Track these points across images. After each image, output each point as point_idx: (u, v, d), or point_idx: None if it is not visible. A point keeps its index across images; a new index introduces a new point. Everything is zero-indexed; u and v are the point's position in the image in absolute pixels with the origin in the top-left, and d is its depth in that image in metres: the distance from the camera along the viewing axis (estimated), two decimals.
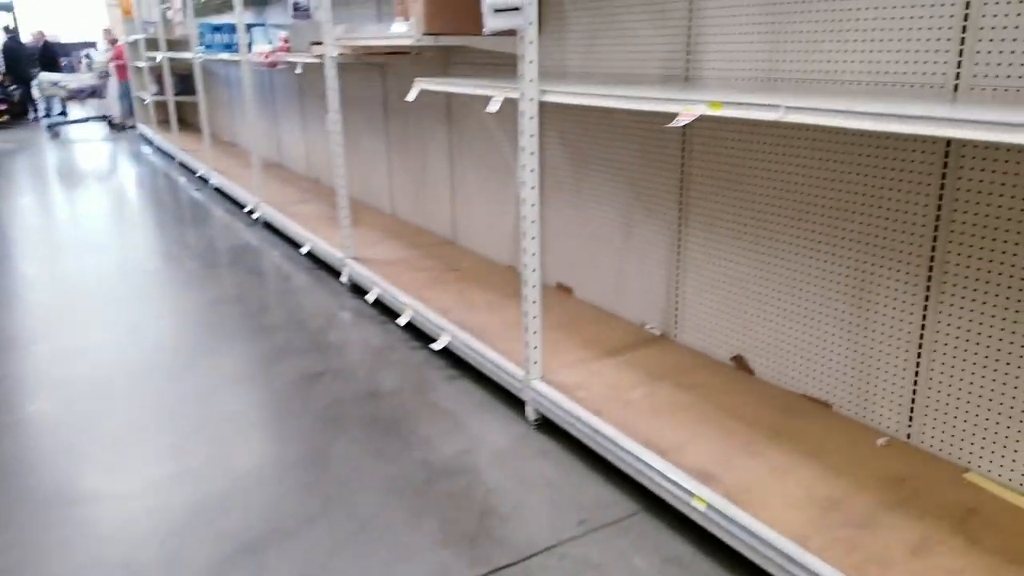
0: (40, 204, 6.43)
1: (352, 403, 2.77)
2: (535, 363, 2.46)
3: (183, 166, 8.15)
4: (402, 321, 3.34)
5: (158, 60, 8.12)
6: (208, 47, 6.40)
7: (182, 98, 9.46)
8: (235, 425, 2.63)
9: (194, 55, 6.39)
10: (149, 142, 10.28)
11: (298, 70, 4.23)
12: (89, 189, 7.01)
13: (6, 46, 13.56)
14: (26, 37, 14.98)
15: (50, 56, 14.55)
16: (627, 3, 2.70)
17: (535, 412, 2.49)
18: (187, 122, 11.17)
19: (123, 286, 4.16)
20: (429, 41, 3.01)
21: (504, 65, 3.49)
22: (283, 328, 3.51)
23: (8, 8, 17.29)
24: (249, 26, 6.07)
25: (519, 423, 2.56)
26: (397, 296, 3.42)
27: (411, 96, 2.99)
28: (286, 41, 4.63)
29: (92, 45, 17.69)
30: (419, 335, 3.36)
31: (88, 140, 10.76)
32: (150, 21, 8.08)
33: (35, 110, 14.41)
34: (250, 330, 3.48)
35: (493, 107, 2.43)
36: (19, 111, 13.81)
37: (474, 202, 3.99)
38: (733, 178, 2.42)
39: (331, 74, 3.69)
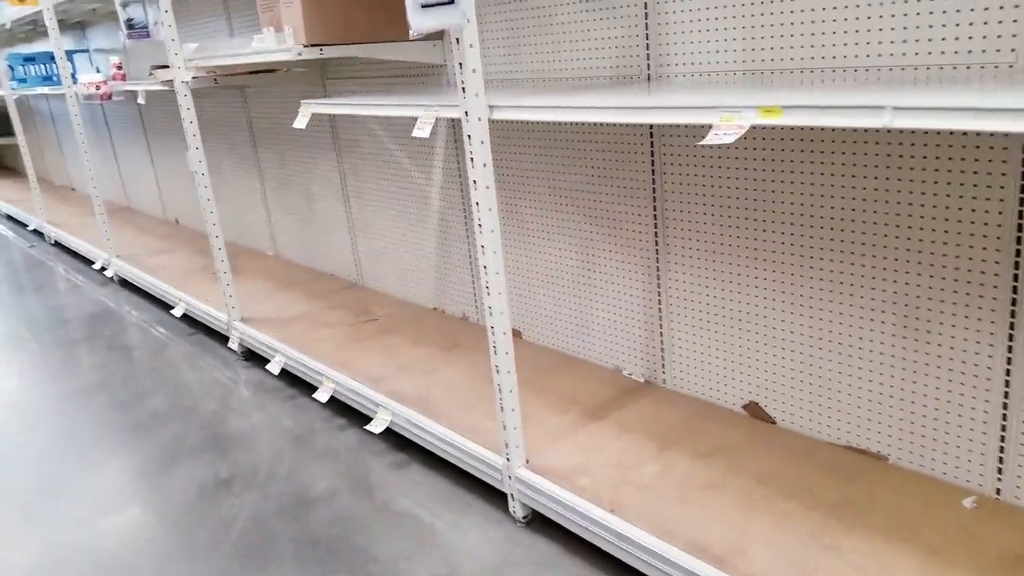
0: None
1: (277, 519, 2.16)
2: (517, 447, 1.95)
3: (10, 219, 7.01)
4: (322, 397, 2.73)
5: None
6: (22, 81, 5.42)
7: (0, 140, 8.20)
8: None
9: (6, 92, 5.39)
10: None
11: (140, 100, 3.50)
12: None
13: None
14: None
15: None
16: None
17: (523, 507, 1.99)
18: (9, 167, 9.78)
19: None
20: (312, 54, 2.43)
21: (399, 77, 2.94)
22: (168, 420, 2.82)
23: None
24: (70, 53, 5.18)
25: (502, 522, 2.04)
26: (309, 365, 2.81)
27: (301, 123, 2.39)
28: (119, 67, 3.85)
29: None
30: (344, 409, 2.76)
31: None
32: None
33: None
34: (125, 429, 2.77)
35: (422, 131, 1.89)
36: None
37: (380, 236, 3.42)
38: (723, 192, 2.00)
39: (186, 102, 3.00)
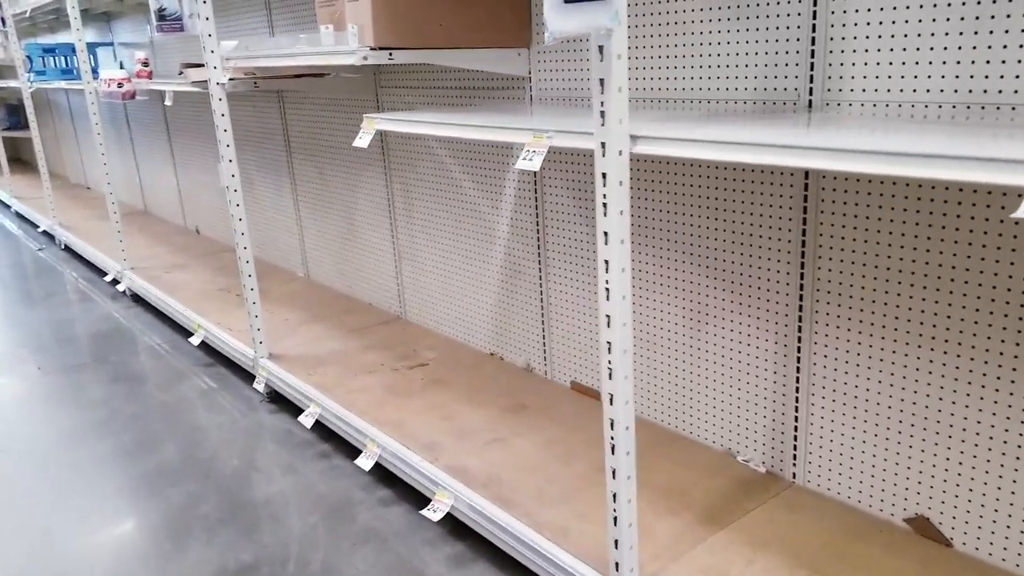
0: None
1: None
2: (632, 572, 1.51)
3: (21, 217, 6.65)
4: (365, 464, 2.31)
5: None
6: (40, 73, 5.06)
7: (15, 133, 7.87)
8: None
9: (23, 84, 5.03)
10: None
11: (167, 101, 3.10)
12: None
13: None
14: None
15: None
16: None
17: None
18: (25, 161, 9.45)
19: None
20: (379, 58, 2.02)
21: (468, 89, 2.53)
22: (181, 477, 2.40)
23: None
24: (92, 46, 4.81)
25: None
26: (348, 421, 2.39)
27: (363, 141, 1.98)
28: (145, 64, 3.47)
29: None
30: (389, 476, 2.34)
31: None
32: None
33: None
34: (128, 487, 2.35)
35: (530, 162, 1.47)
36: None
37: (431, 267, 3.00)
38: (897, 255, 1.57)
39: (221, 108, 2.60)
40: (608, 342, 1.37)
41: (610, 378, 1.38)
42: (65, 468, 2.52)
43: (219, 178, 2.65)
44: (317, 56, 2.12)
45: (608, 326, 1.37)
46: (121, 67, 5.28)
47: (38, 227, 6.03)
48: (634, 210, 2.10)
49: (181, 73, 3.00)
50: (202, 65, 3.03)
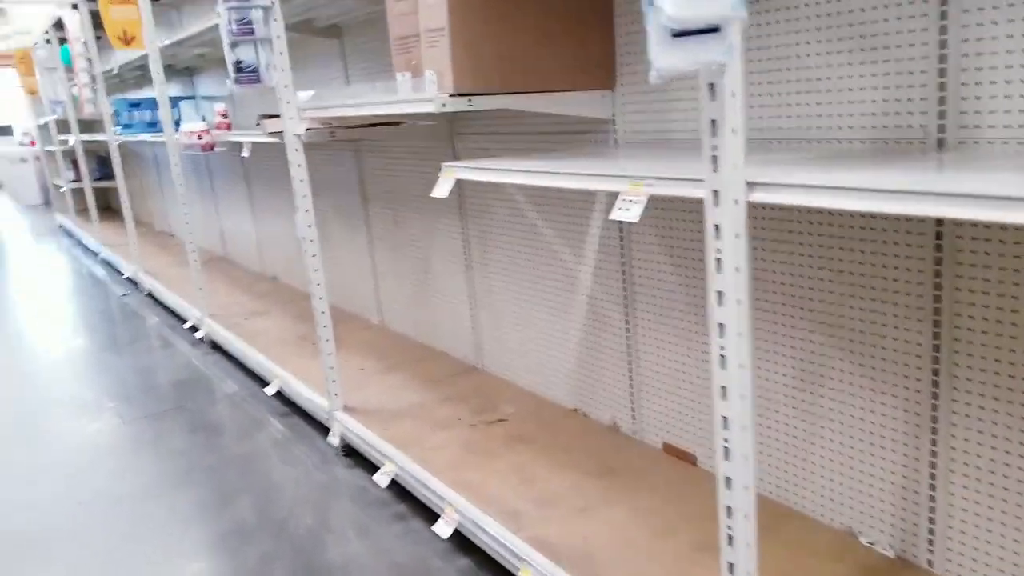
0: None
1: None
2: None
3: (108, 264, 6.87)
4: (443, 531, 2.18)
5: (71, 144, 6.89)
6: (127, 126, 5.23)
7: (104, 184, 8.20)
8: None
9: (110, 137, 5.21)
10: (69, 234, 8.95)
11: (244, 153, 3.11)
12: None
13: None
14: None
15: None
16: (799, 23, 1.67)
17: None
18: (115, 210, 9.86)
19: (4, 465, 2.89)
20: (458, 105, 1.93)
21: (547, 134, 2.43)
22: (255, 535, 2.32)
23: None
24: (176, 100, 4.94)
25: None
26: (425, 482, 2.27)
27: (442, 190, 1.89)
28: (224, 115, 3.50)
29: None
30: (469, 545, 2.20)
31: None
32: (57, 100, 6.87)
33: None
34: (203, 543, 2.27)
35: (630, 214, 1.34)
36: None
37: (509, 317, 2.89)
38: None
39: (297, 158, 2.57)
40: (724, 417, 1.21)
41: (727, 458, 1.22)
42: (144, 522, 2.47)
43: (295, 227, 2.60)
44: (394, 105, 2.05)
45: (723, 398, 1.21)
46: (203, 119, 5.43)
47: (123, 274, 6.20)
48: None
49: (258, 124, 3.00)
50: (279, 116, 3.03)
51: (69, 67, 5.61)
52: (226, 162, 5.43)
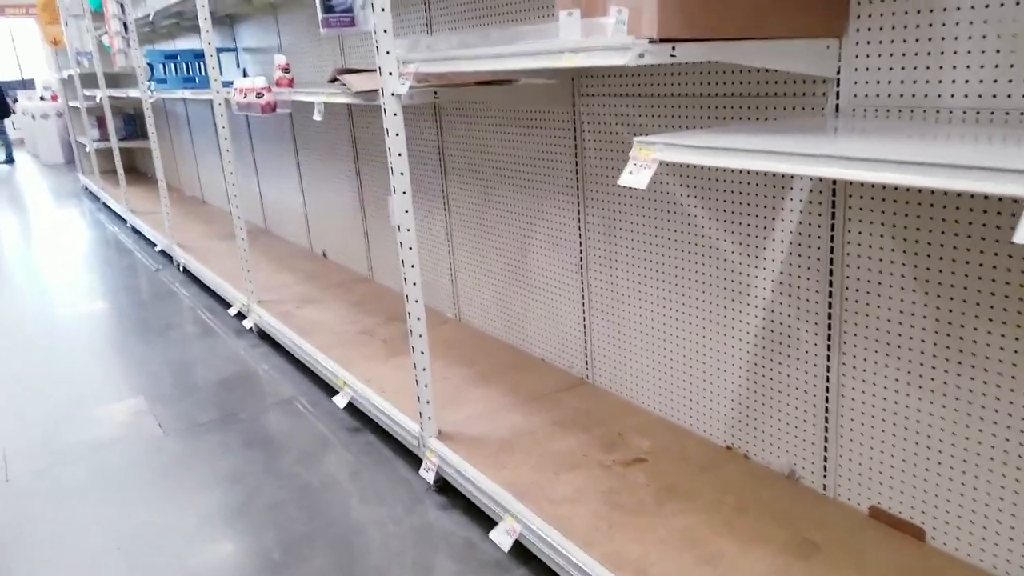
0: None
1: None
2: None
3: (137, 232, 6.38)
4: None
5: (98, 100, 6.36)
6: (160, 81, 4.68)
7: (131, 143, 7.68)
8: None
9: (143, 93, 4.67)
10: (93, 197, 8.47)
11: (316, 116, 2.55)
12: (10, 268, 5.19)
13: None
14: None
15: None
16: None
17: None
18: (139, 171, 9.36)
19: (31, 497, 2.41)
20: (658, 55, 1.37)
21: (727, 96, 1.86)
22: None
23: None
24: (217, 51, 4.38)
25: None
26: (569, 554, 1.75)
27: (637, 180, 1.33)
28: (286, 70, 2.95)
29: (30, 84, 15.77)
30: None
31: (21, 198, 8.88)
32: (84, 51, 6.32)
33: None
34: None
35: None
36: None
37: (636, 325, 2.34)
38: None
39: (395, 125, 2.01)
40: None
41: None
42: None
43: (389, 213, 2.06)
44: (554, 56, 1.49)
45: None
46: (245, 74, 4.86)
47: (155, 245, 5.71)
48: (900, 262, 1.38)
49: (335, 80, 2.44)
50: (357, 71, 2.47)
51: (98, 13, 5.06)
52: (271, 124, 4.87)
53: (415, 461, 2.47)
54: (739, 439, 2.12)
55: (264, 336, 3.72)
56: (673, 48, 1.38)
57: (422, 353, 2.24)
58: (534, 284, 2.77)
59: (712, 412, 2.17)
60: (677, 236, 2.14)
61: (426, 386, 2.26)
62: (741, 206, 1.93)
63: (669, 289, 2.21)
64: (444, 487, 2.31)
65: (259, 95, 2.74)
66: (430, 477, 2.28)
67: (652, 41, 1.35)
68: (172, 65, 4.80)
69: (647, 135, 1.70)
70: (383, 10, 1.91)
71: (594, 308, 2.52)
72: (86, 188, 9.05)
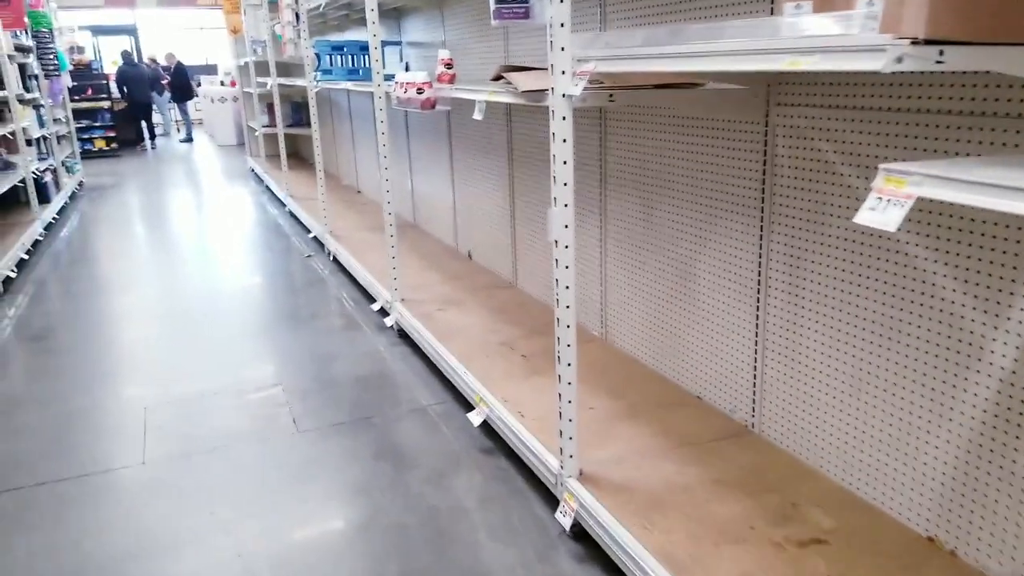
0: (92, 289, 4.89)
1: None
2: None
3: (294, 217, 6.56)
4: None
5: (268, 87, 6.59)
6: (326, 72, 4.72)
7: (296, 131, 7.96)
8: None
9: (308, 82, 4.72)
10: (258, 179, 8.86)
11: (477, 115, 2.38)
12: (173, 253, 5.45)
13: (121, 71, 12.66)
14: (161, 61, 14.12)
15: (183, 80, 13.58)
16: None
17: None
18: (302, 157, 9.73)
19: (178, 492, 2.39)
20: (924, 60, 1.05)
21: (939, 113, 1.49)
22: None
23: (131, 32, 16.72)
24: (380, 45, 4.34)
25: None
26: None
27: (893, 219, 1.03)
28: (449, 65, 2.80)
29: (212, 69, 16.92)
30: None
31: (187, 178, 9.46)
32: (259, 40, 6.57)
33: (152, 137, 13.49)
34: None
35: None
36: (132, 139, 12.90)
37: (820, 373, 1.99)
38: None
39: (563, 130, 1.79)
40: None
41: None
42: None
43: (548, 227, 1.84)
44: (774, 57, 1.20)
45: None
46: (407, 68, 4.82)
47: (309, 231, 5.82)
48: None
49: (499, 78, 2.25)
50: (524, 68, 2.26)
51: (274, 3, 5.20)
52: (427, 116, 4.81)
53: (550, 498, 2.24)
54: (945, 530, 1.74)
55: (403, 335, 3.63)
56: (941, 52, 1.06)
57: (569, 384, 2.01)
58: (696, 311, 2.48)
59: (914, 493, 1.80)
60: (887, 278, 1.78)
61: (570, 420, 2.02)
62: (982, 250, 1.56)
63: (870, 339, 1.85)
64: (580, 534, 2.07)
65: (419, 91, 2.60)
66: (566, 523, 2.05)
67: (915, 42, 1.05)
68: (339, 56, 4.84)
69: (875, 159, 1.37)
70: (562, 1, 1.69)
71: (769, 347, 2.20)
72: (252, 170, 9.51)
